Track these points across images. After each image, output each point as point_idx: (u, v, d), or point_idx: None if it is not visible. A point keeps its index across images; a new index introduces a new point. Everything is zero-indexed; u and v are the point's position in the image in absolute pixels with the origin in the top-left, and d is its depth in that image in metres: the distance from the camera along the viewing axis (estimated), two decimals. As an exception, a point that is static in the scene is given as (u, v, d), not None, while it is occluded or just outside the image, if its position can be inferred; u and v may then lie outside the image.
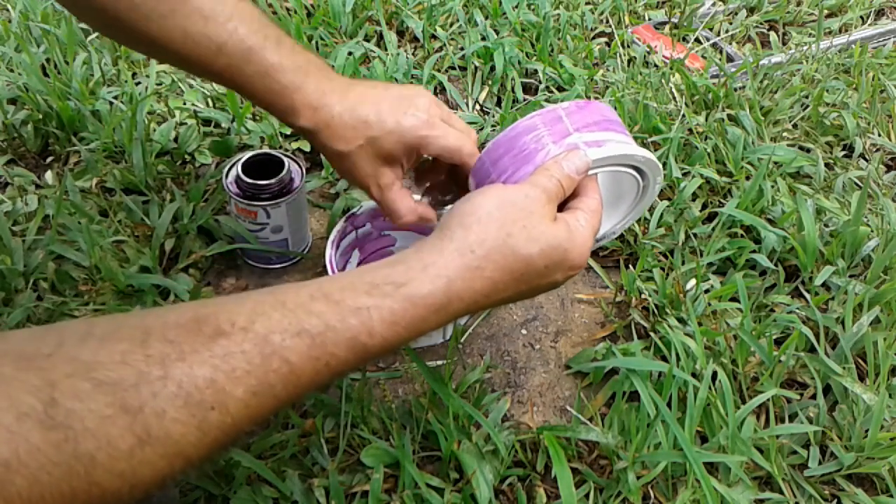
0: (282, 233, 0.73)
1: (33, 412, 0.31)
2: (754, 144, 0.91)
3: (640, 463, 0.59)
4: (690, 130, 0.91)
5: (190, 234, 0.76)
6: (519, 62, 1.04)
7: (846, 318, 0.70)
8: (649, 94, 0.97)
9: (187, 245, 0.75)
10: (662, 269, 0.77)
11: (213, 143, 0.88)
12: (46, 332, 0.36)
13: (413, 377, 0.67)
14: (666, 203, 0.83)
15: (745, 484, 0.59)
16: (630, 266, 0.77)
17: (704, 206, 0.85)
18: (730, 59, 1.11)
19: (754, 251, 0.78)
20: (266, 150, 0.74)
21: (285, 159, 0.72)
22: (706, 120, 0.94)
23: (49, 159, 0.87)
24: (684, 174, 0.86)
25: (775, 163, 0.89)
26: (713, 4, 1.24)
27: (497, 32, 1.10)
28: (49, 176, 0.84)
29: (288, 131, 0.91)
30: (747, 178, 0.86)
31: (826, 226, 0.82)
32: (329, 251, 0.69)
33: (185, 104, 0.93)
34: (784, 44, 1.18)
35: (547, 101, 0.99)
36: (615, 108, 0.92)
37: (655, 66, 1.07)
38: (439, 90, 1.02)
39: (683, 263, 0.77)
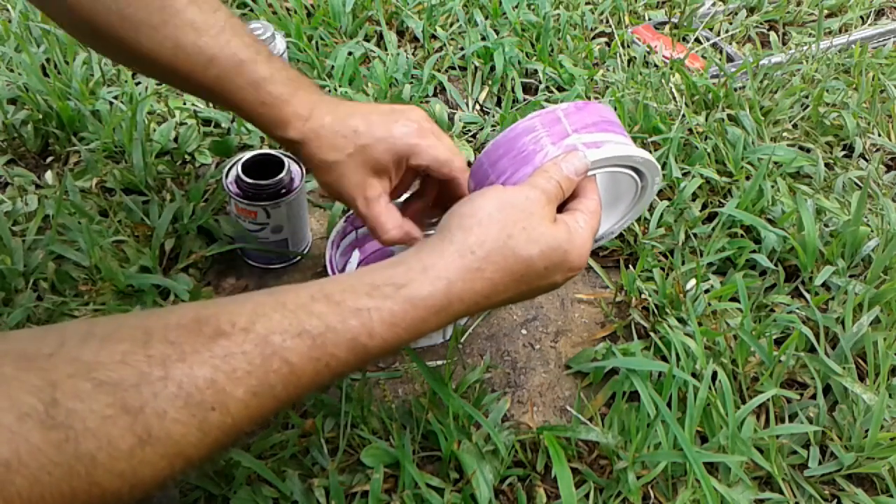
0: (282, 233, 0.73)
1: (34, 412, 0.31)
2: (754, 144, 0.91)
3: (640, 463, 0.59)
4: (690, 130, 0.91)
5: (190, 234, 0.76)
6: (519, 62, 1.04)
7: (846, 318, 0.70)
8: (649, 94, 0.97)
9: (187, 245, 0.75)
10: (662, 269, 0.77)
11: (213, 143, 0.88)
12: (47, 332, 0.36)
13: (413, 377, 0.68)
14: (666, 203, 0.83)
15: (745, 484, 0.59)
16: (630, 266, 0.77)
17: (704, 206, 0.85)
18: (730, 59, 1.11)
19: (754, 251, 0.78)
20: (266, 150, 0.74)
21: (285, 159, 0.72)
22: (706, 120, 0.94)
23: (49, 159, 0.87)
24: (684, 174, 0.86)
25: (775, 163, 0.89)
26: (713, 4, 1.24)
27: (497, 32, 1.10)
28: (49, 176, 0.84)
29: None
30: (747, 178, 0.86)
31: (826, 226, 0.82)
32: (329, 251, 0.69)
33: (185, 104, 0.93)
34: (784, 44, 1.18)
35: (547, 101, 0.99)
36: (615, 109, 0.92)
37: (655, 66, 1.07)
38: (439, 90, 1.02)
39: (683, 263, 0.77)
